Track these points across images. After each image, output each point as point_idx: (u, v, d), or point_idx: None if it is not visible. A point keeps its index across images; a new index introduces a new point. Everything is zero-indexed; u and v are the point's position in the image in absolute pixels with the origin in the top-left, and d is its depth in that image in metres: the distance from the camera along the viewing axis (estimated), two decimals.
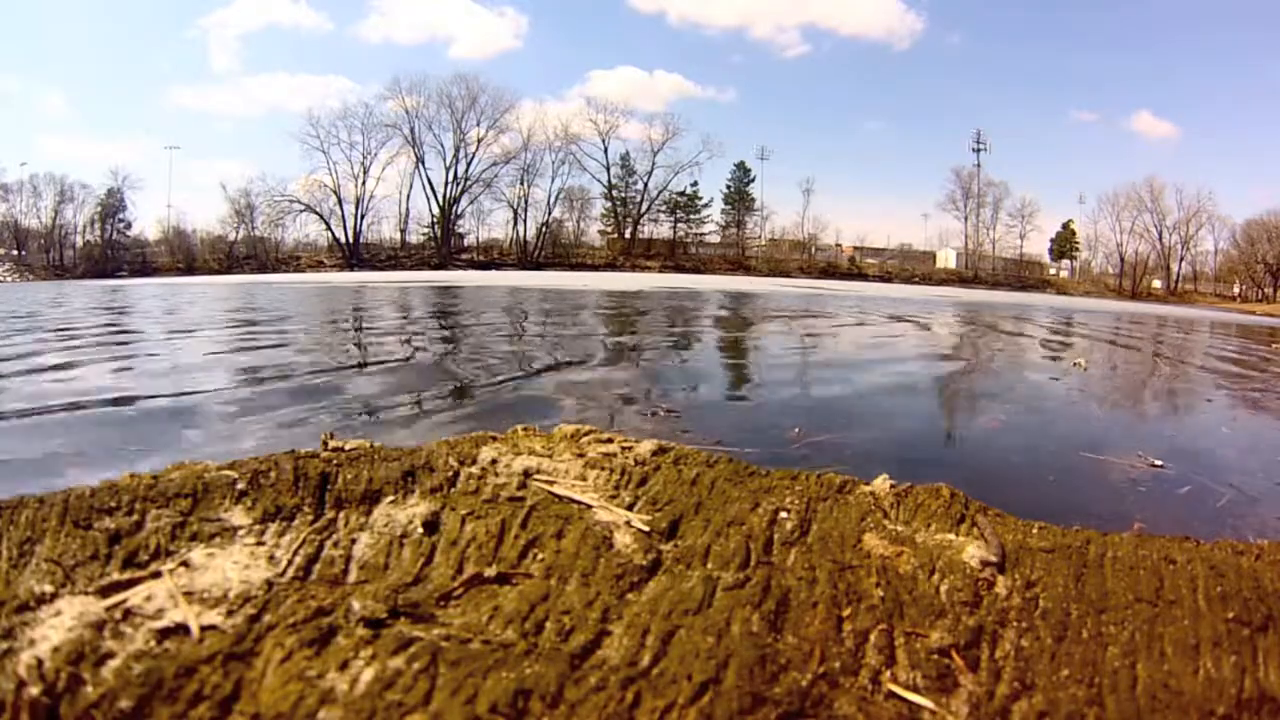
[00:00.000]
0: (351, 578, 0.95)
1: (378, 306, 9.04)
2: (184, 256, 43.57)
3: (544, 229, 47.95)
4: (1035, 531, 1.17)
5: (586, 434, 1.55)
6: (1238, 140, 64.58)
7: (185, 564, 0.92)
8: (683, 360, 4.96)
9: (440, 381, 3.66)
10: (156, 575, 0.89)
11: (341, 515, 1.09)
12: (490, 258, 46.28)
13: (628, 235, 49.01)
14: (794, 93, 70.42)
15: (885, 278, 46.30)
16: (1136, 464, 2.32)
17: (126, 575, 0.88)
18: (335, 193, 45.31)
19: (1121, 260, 49.18)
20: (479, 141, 46.42)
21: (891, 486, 1.31)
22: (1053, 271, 51.47)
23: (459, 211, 47.36)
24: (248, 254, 43.96)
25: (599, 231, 50.49)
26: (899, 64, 66.19)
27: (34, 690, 0.69)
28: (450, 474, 1.25)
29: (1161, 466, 2.30)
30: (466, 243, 48.41)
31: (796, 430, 2.57)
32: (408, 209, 47.33)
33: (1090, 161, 71.25)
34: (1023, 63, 66.94)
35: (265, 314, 8.51)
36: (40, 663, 0.72)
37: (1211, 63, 63.72)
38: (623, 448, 1.46)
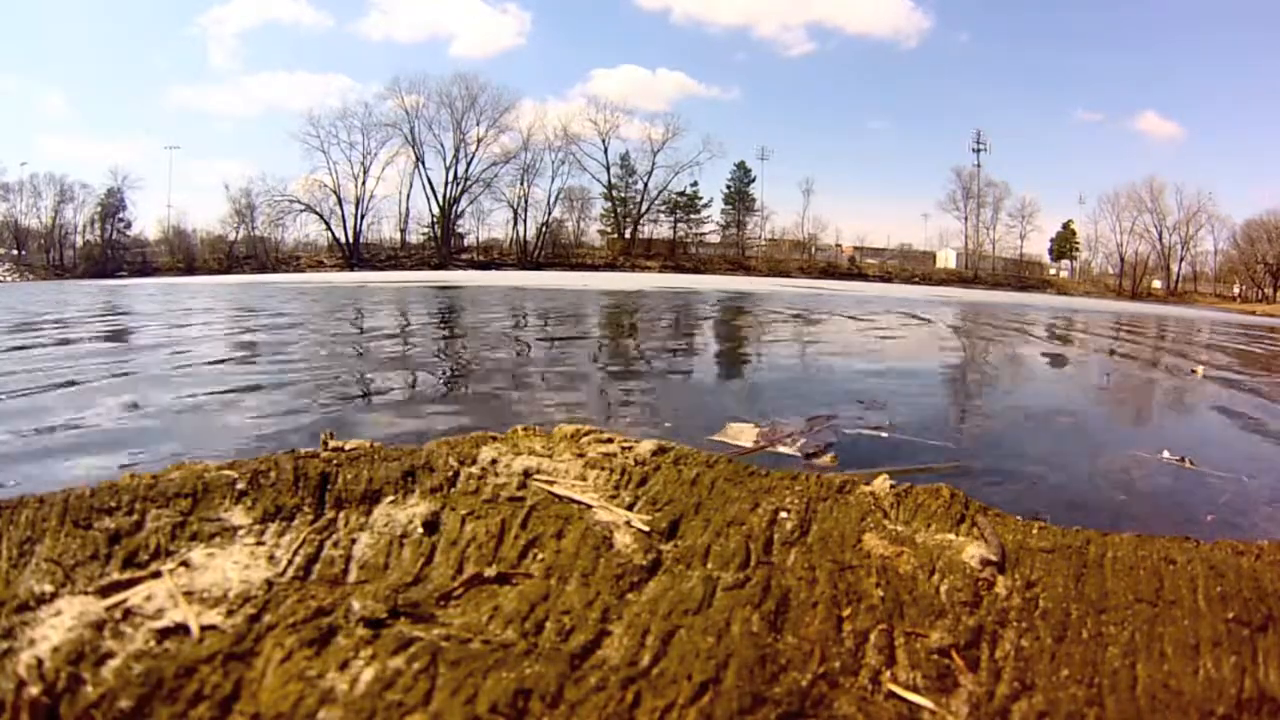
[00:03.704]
0: (351, 578, 0.95)
1: (383, 316, 9.07)
2: (184, 256, 43.53)
3: (544, 229, 47.94)
4: (1035, 531, 1.17)
5: (586, 434, 1.55)
6: (1243, 140, 64.41)
7: (185, 564, 0.92)
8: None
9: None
10: (156, 575, 0.89)
11: (341, 515, 1.09)
12: (490, 258, 46.26)
13: (628, 235, 48.99)
14: (798, 92, 70.09)
15: (885, 278, 46.27)
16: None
17: (126, 575, 0.88)
18: (335, 193, 45.30)
19: (1121, 260, 49.16)
20: (479, 141, 46.40)
21: (891, 487, 1.31)
22: (1053, 272, 51.45)
23: (459, 211, 47.33)
24: (248, 254, 43.92)
25: (599, 231, 50.52)
26: (905, 63, 65.91)
27: (34, 690, 0.69)
28: (450, 474, 1.25)
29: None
30: (466, 243, 48.38)
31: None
32: (408, 209, 47.32)
33: (1094, 162, 71.01)
34: (1028, 62, 66.64)
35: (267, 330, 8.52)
36: (40, 662, 0.72)
37: (1217, 62, 63.59)
38: (623, 448, 1.46)
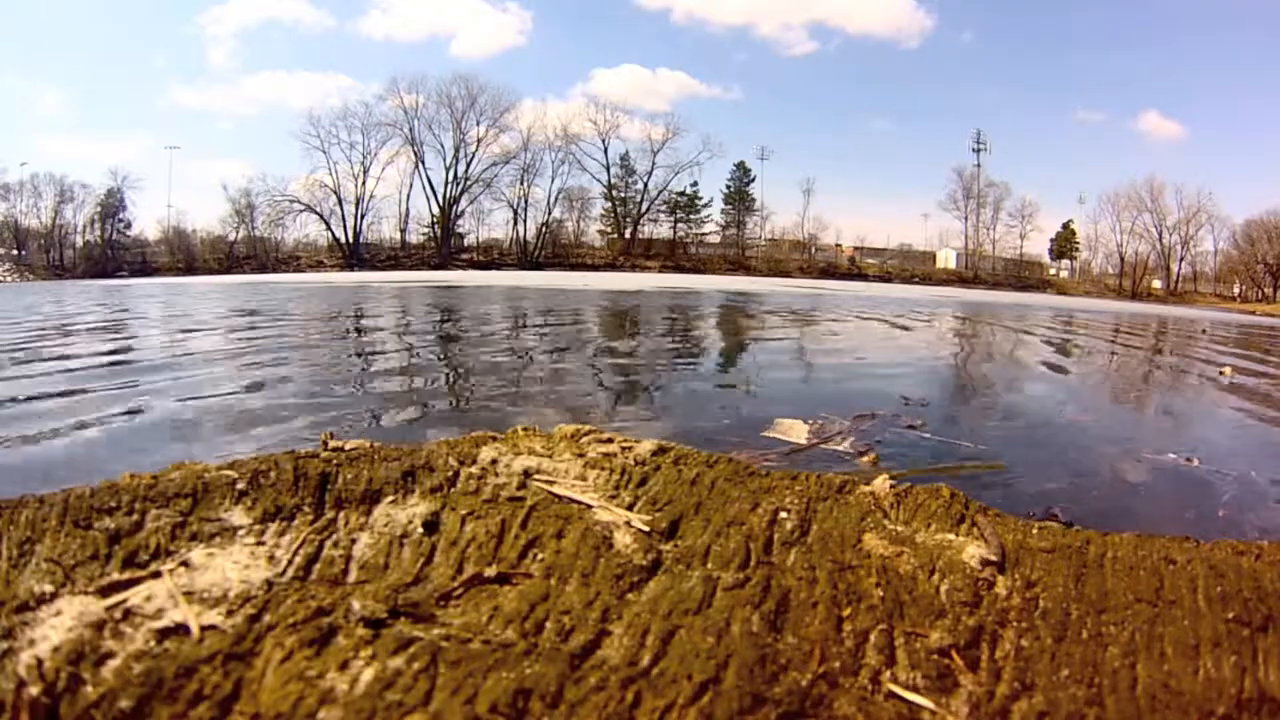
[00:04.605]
0: (351, 578, 0.95)
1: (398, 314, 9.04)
2: (184, 256, 43.53)
3: (544, 229, 47.95)
4: (1035, 531, 1.17)
5: (586, 434, 1.55)
6: (1244, 140, 64.36)
7: (185, 564, 0.92)
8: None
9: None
10: (156, 575, 0.89)
11: (341, 515, 1.09)
12: (490, 258, 46.27)
13: (628, 235, 49.00)
14: (798, 91, 70.00)
15: (885, 278, 46.27)
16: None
17: (126, 575, 0.88)
18: (335, 192, 45.33)
19: (1121, 260, 49.17)
20: (479, 141, 46.44)
21: (891, 486, 1.31)
22: (1053, 272, 51.47)
23: (459, 211, 47.35)
24: (248, 254, 43.94)
25: (599, 231, 50.54)
26: (906, 63, 65.80)
27: (34, 690, 0.69)
28: (450, 474, 1.25)
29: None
30: (466, 243, 48.40)
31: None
32: (408, 209, 47.36)
33: (1095, 162, 70.93)
34: (1030, 62, 66.52)
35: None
36: (40, 662, 0.72)
37: (1219, 62, 63.59)
38: (623, 448, 1.46)
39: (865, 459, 2.19)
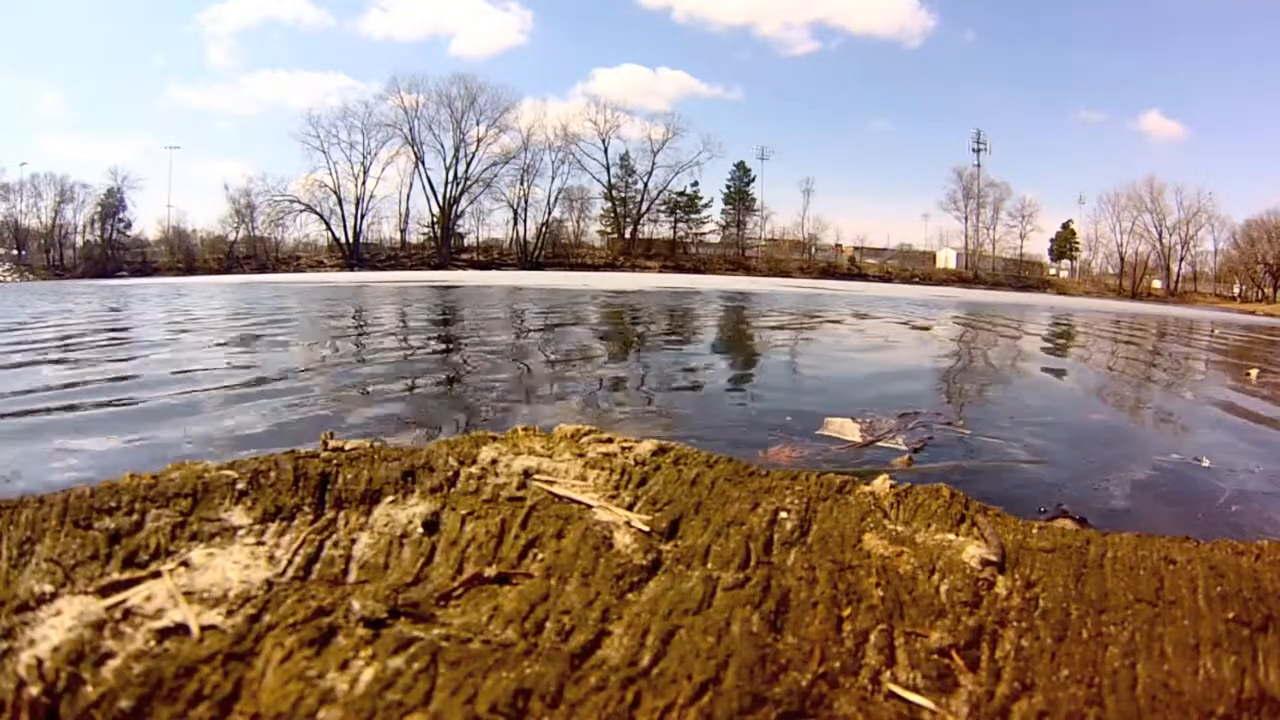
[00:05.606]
0: (351, 578, 0.95)
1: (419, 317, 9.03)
2: (184, 256, 43.56)
3: (544, 229, 47.99)
4: (1035, 531, 1.17)
5: (586, 434, 1.55)
6: (1246, 140, 64.40)
7: (185, 564, 0.92)
8: None
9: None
10: (156, 575, 0.89)
11: (341, 515, 1.09)
12: (490, 258, 46.30)
13: (628, 235, 49.01)
14: (799, 91, 69.98)
15: (885, 278, 46.28)
16: None
17: (126, 575, 0.88)
18: (335, 192, 45.36)
19: (1121, 260, 49.20)
20: (479, 141, 46.48)
21: (891, 487, 1.31)
22: (1052, 272, 51.50)
23: (459, 211, 47.38)
24: (248, 254, 43.98)
25: (599, 231, 50.57)
26: (908, 62, 65.82)
27: (34, 690, 0.69)
28: (450, 474, 1.25)
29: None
30: (466, 242, 48.41)
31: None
32: (408, 209, 47.40)
33: (1096, 162, 70.98)
34: (1032, 61, 66.49)
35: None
36: (40, 662, 0.72)
37: (1221, 62, 63.67)
38: (623, 448, 1.46)
39: (901, 460, 2.26)
